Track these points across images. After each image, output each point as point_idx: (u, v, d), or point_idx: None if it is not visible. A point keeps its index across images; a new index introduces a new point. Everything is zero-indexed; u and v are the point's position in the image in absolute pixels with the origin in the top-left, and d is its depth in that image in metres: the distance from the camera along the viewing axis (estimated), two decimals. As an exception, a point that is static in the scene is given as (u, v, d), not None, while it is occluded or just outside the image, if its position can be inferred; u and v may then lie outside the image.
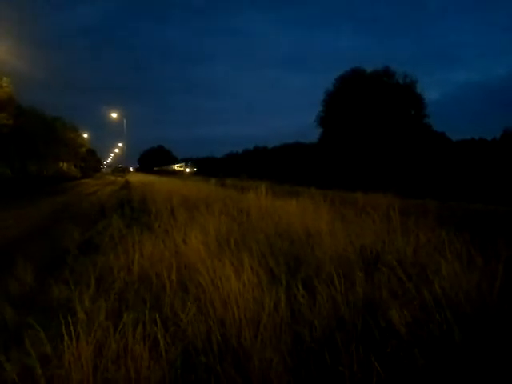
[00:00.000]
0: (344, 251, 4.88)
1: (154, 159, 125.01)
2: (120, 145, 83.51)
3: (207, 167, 75.87)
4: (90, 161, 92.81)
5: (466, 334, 2.71)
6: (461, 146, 37.97)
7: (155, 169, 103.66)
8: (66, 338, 2.75)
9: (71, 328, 2.79)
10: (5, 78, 36.95)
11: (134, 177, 56.45)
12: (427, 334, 2.85)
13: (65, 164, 64.97)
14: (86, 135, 72.08)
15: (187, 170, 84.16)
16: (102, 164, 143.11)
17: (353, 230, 5.97)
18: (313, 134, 50.40)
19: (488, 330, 2.74)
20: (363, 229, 6.06)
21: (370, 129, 31.35)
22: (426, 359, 2.59)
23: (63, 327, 2.85)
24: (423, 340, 2.81)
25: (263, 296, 3.41)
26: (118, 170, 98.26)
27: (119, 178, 54.89)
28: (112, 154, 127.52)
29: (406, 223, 6.23)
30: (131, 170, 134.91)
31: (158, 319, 2.99)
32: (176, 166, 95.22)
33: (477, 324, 2.82)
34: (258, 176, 37.19)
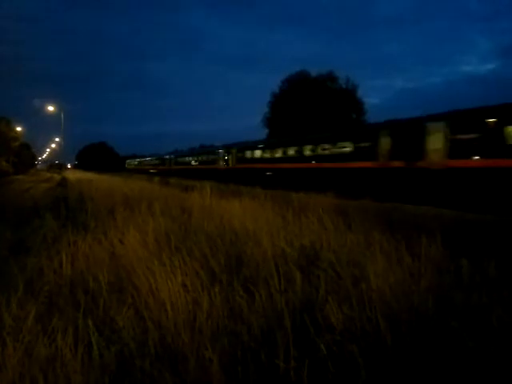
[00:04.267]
0: (284, 251, 4.98)
1: (94, 156, 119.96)
2: (57, 140, 79.17)
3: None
4: (24, 156, 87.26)
5: (392, 328, 2.87)
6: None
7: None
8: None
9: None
10: None
11: (72, 174, 53.87)
12: (360, 329, 2.99)
13: (-5, 159, 60.60)
14: (19, 128, 67.66)
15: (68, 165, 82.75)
16: (38, 160, 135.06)
17: (292, 230, 6.12)
18: (261, 134, 50.93)
19: (412, 324, 2.92)
20: (302, 229, 6.23)
21: (312, 131, 32.23)
22: (359, 353, 2.72)
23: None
24: (357, 335, 2.95)
25: (202, 297, 3.41)
26: (55, 166, 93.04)
27: (55, 175, 52.08)
28: (48, 150, 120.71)
29: (343, 223, 6.49)
30: (69, 166, 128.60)
31: (90, 323, 2.89)
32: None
33: (401, 318, 3.00)
34: (203, 175, 37.13)
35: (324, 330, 3.02)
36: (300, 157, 25.27)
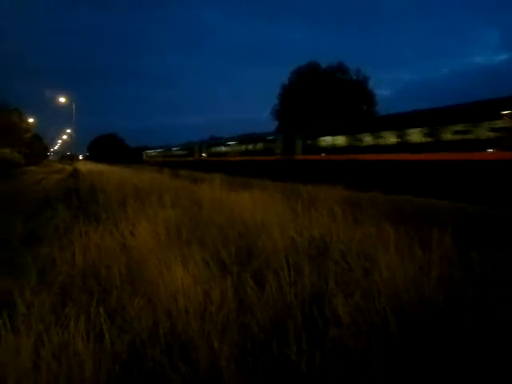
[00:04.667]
0: (294, 242, 4.99)
1: (105, 147, 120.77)
2: (69, 131, 79.74)
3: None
4: (36, 147, 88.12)
5: (400, 322, 2.86)
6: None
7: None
8: (2, 331, 2.64)
9: (6, 322, 2.68)
10: None
11: (83, 165, 54.36)
12: (368, 322, 2.99)
13: (8, 150, 61.31)
14: (31, 120, 68.30)
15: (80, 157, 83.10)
16: (49, 151, 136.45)
17: (302, 222, 6.11)
18: (270, 127, 50.80)
19: (422, 317, 2.91)
20: (312, 221, 6.21)
21: (323, 123, 32.00)
22: (366, 346, 2.72)
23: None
24: (364, 328, 2.94)
25: (213, 288, 3.43)
26: (66, 157, 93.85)
27: (67, 166, 52.60)
28: (60, 141, 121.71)
29: (353, 215, 6.46)
30: (80, 158, 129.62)
31: (102, 312, 2.93)
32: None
33: (411, 311, 2.99)
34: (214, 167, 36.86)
35: (333, 322, 3.03)
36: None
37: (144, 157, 78.68)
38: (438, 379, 2.48)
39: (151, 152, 77.52)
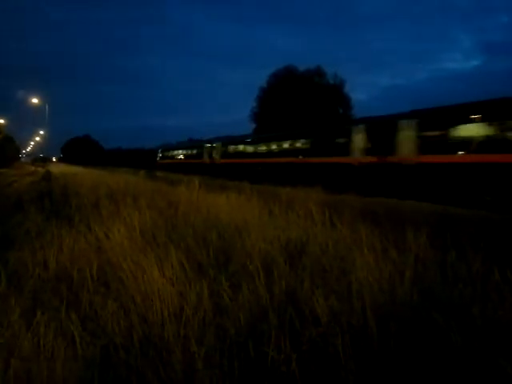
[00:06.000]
0: (271, 244, 4.99)
1: (79, 150, 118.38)
2: (42, 133, 77.82)
3: (137, 159, 72.74)
4: (7, 149, 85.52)
5: (377, 321, 2.90)
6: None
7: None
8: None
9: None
10: None
11: (57, 167, 53.09)
12: (346, 323, 3.01)
13: (-24, 152, 59.33)
14: (1, 121, 66.29)
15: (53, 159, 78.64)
16: (22, 153, 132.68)
17: (279, 224, 6.14)
18: (248, 129, 50.88)
19: (397, 317, 2.96)
20: (289, 223, 6.25)
21: (299, 126, 32.30)
22: (344, 346, 2.74)
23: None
24: (343, 328, 2.97)
25: (189, 291, 3.39)
26: (39, 159, 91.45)
27: (40, 169, 51.27)
28: (32, 143, 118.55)
29: (329, 217, 6.52)
30: (54, 160, 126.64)
31: (74, 316, 2.86)
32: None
33: (386, 311, 3.03)
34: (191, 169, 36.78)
35: (309, 322, 3.04)
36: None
37: (158, 158, 55.29)
38: (413, 376, 2.52)
39: (175, 152, 49.43)
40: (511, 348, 2.54)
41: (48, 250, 4.77)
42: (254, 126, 50.91)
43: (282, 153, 27.03)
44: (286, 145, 27.17)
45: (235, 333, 2.94)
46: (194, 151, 43.01)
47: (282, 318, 3.05)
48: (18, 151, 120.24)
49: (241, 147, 33.36)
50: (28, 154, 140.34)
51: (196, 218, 6.63)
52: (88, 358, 2.56)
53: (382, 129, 18.93)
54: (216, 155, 36.31)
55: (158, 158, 55.73)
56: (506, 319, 2.84)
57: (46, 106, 50.19)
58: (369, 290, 3.29)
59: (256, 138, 35.15)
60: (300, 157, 24.87)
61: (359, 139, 20.14)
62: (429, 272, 3.79)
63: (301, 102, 43.91)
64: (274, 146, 28.49)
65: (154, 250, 4.59)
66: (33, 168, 60.84)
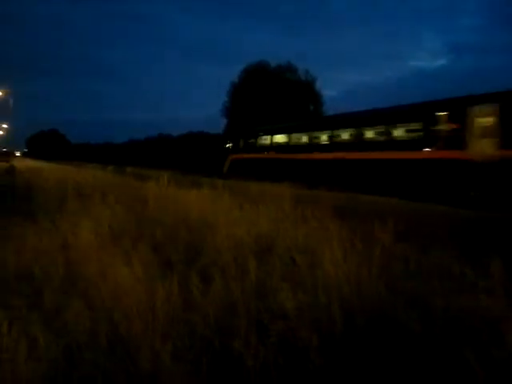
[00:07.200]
0: (241, 239, 5.00)
1: (45, 144, 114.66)
2: (5, 126, 74.76)
3: (105, 154, 71.14)
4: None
5: (344, 314, 2.96)
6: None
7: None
8: None
9: None
10: None
11: (21, 162, 51.26)
12: (313, 315, 3.06)
13: None
14: (-39, 113, 63.33)
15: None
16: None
17: (250, 219, 6.14)
18: (218, 125, 50.61)
19: (363, 310, 3.03)
20: (260, 218, 6.26)
21: (270, 122, 32.38)
22: (311, 339, 2.78)
23: None
24: (309, 320, 3.01)
25: (157, 287, 3.35)
26: (2, 154, 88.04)
27: (3, 163, 49.35)
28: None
29: (301, 212, 6.58)
30: (18, 154, 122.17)
31: (36, 316, 2.77)
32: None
33: (352, 304, 3.10)
34: (161, 165, 36.05)
35: (278, 316, 3.06)
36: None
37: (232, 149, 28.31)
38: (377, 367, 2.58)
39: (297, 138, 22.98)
40: (469, 335, 2.65)
41: (9, 247, 4.60)
42: (225, 121, 50.64)
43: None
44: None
45: (204, 328, 2.93)
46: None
47: (251, 313, 3.07)
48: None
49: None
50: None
51: (167, 213, 6.55)
52: (51, 358, 2.50)
53: None
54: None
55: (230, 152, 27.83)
56: (466, 310, 2.95)
57: (10, 99, 48.21)
58: (336, 283, 3.34)
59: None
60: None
61: (484, 124, 12.96)
62: (393, 265, 3.89)
63: (272, 97, 44.01)
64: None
65: (122, 246, 4.51)
66: (-5, 163, 58.45)
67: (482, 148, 12.69)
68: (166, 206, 7.08)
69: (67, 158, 73.62)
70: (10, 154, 76.63)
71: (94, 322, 2.90)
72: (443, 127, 14.11)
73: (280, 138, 23.59)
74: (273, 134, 24.47)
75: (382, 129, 16.83)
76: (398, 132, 16.15)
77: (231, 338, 2.75)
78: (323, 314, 3.03)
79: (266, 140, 24.96)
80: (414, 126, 15.30)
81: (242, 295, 3.34)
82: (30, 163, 43.27)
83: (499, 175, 12.08)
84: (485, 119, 12.91)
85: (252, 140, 26.30)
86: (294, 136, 22.56)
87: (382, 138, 16.76)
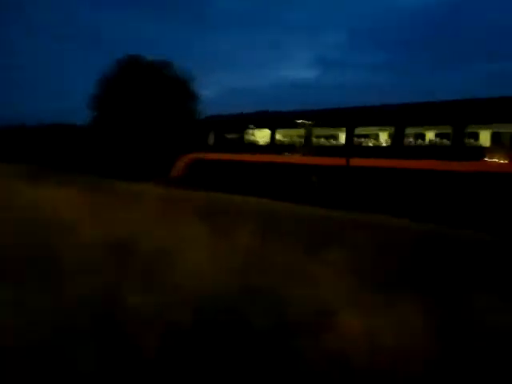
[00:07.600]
0: (101, 239, 4.72)
1: None
2: None
3: None
4: None
5: (194, 314, 2.94)
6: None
7: None
8: None
9: None
10: None
11: None
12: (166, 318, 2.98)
13: None
14: None
15: None
16: None
17: (114, 219, 5.86)
18: (83, 117, 47.15)
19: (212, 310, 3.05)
20: (127, 218, 6.01)
21: (142, 118, 31.27)
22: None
23: None
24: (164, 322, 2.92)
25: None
26: None
27: None
28: None
29: (169, 211, 6.49)
30: None
31: None
32: None
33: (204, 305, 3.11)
34: (12, 158, 31.67)
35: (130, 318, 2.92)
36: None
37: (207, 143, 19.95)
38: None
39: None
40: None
41: None
42: (93, 114, 47.50)
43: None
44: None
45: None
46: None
47: (98, 320, 2.87)
48: None
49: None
50: None
51: (11, 211, 5.85)
52: None
53: None
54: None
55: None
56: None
57: None
58: (192, 283, 3.33)
59: None
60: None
61: None
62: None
63: (148, 92, 42.66)
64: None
65: None
66: None
67: None
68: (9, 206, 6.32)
69: None
70: None
71: None
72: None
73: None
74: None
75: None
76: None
77: (74, 345, 2.52)
78: (173, 315, 2.96)
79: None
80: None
81: (89, 298, 3.10)
82: None
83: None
84: None
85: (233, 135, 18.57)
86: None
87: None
